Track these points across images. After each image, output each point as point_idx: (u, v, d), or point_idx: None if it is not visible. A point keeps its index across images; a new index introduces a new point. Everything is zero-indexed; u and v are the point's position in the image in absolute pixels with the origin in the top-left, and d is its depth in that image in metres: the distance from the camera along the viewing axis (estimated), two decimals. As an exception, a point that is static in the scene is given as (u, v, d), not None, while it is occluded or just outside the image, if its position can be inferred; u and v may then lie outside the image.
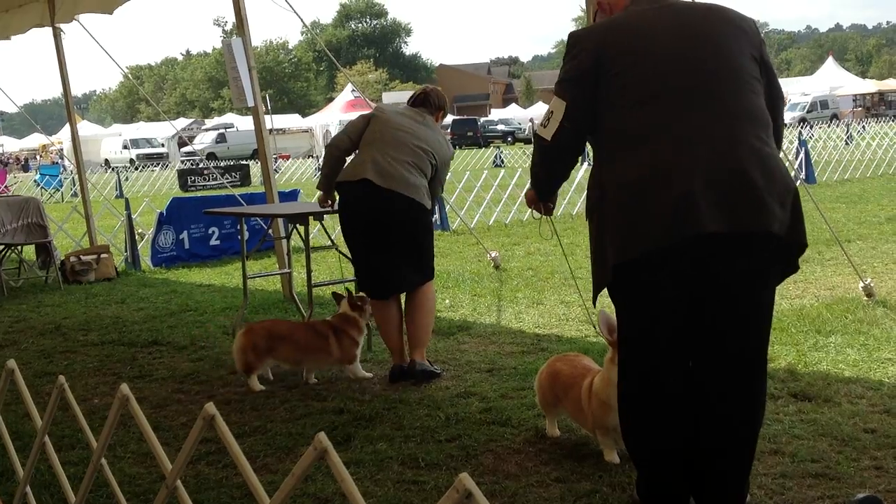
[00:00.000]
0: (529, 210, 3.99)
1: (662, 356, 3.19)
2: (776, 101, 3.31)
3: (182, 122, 59.78)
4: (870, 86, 62.90)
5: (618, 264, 3.12)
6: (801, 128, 34.79)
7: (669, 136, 3.07)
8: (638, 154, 3.09)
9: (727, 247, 3.04)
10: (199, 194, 21.54)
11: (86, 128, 51.23)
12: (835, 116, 50.53)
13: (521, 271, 9.22)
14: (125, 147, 51.44)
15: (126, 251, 11.29)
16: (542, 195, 3.74)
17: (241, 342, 5.47)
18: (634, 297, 3.22)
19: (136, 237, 11.35)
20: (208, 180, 28.83)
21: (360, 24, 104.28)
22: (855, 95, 59.94)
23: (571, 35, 3.36)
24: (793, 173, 15.00)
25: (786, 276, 3.29)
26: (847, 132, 30.37)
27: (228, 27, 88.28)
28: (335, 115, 53.20)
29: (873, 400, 4.59)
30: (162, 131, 52.22)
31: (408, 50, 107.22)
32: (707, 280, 3.11)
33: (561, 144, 3.36)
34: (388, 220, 5.41)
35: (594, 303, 3.38)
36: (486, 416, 4.69)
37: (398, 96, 73.91)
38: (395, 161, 5.39)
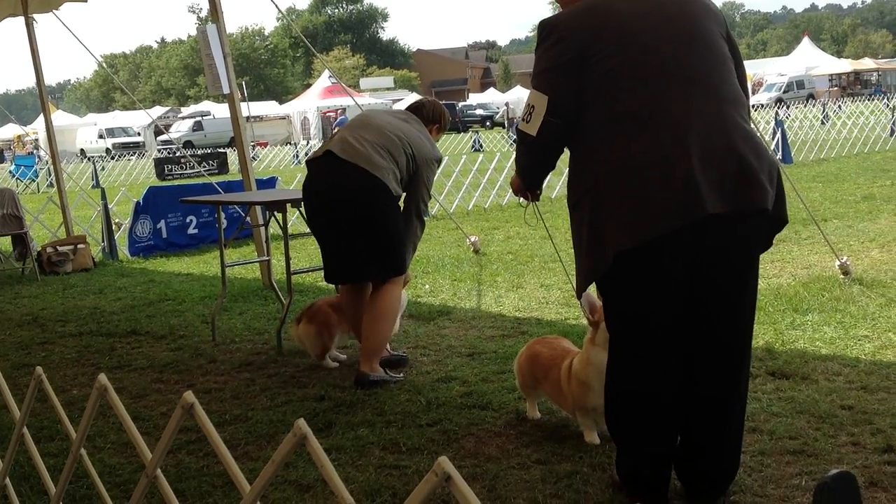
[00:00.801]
0: (508, 194, 3.99)
1: (661, 343, 3.17)
2: (742, 78, 3.34)
3: (158, 111, 59.38)
4: (845, 65, 63.25)
5: (620, 252, 3.05)
6: (778, 108, 34.97)
7: (665, 120, 3.05)
8: (635, 138, 3.05)
9: (726, 227, 3.05)
10: (176, 183, 21.41)
11: (61, 117, 50.87)
12: (811, 96, 50.80)
13: (500, 255, 9.23)
14: (101, 136, 51.05)
15: (103, 241, 11.21)
16: (532, 185, 3.70)
17: (309, 328, 5.48)
18: (636, 283, 3.15)
19: (113, 227, 11.27)
20: (185, 169, 28.67)
21: (336, 10, 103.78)
22: (831, 75, 60.28)
23: (544, 23, 3.27)
24: (770, 153, 15.14)
25: (762, 252, 3.31)
26: (823, 112, 30.54)
27: (203, 14, 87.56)
28: (312, 102, 53.06)
29: (850, 377, 4.63)
30: (138, 120, 51.87)
31: (385, 35, 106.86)
32: (703, 261, 3.11)
33: (548, 140, 3.27)
34: (345, 196, 5.01)
35: (579, 295, 3.35)
36: (467, 399, 4.70)
37: (375, 82, 73.83)
38: (364, 140, 5.10)
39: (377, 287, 5.21)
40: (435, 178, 5.49)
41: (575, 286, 3.35)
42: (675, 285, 3.12)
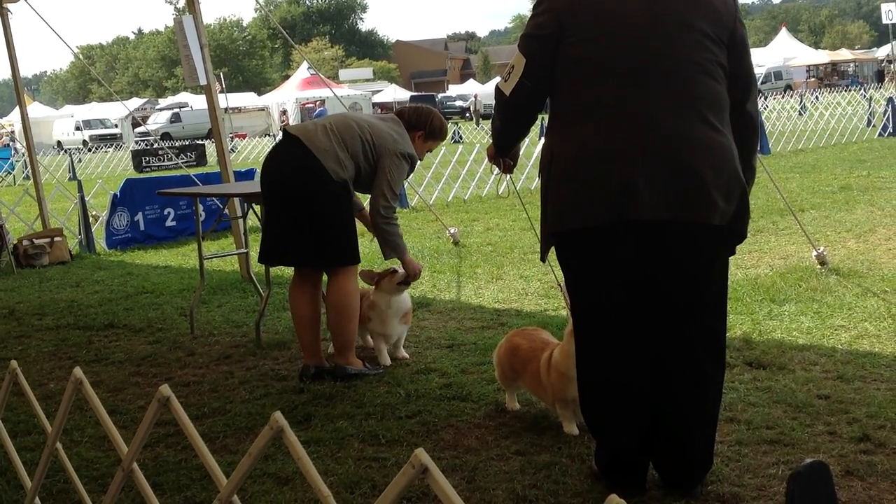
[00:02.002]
0: (488, 186, 4.00)
1: (611, 329, 3.21)
2: (745, 85, 3.24)
3: (135, 102, 58.87)
4: (822, 56, 63.63)
5: (553, 233, 3.20)
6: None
7: (619, 116, 3.05)
8: (586, 129, 3.09)
9: (666, 234, 3.06)
10: (153, 175, 21.28)
11: (37, 109, 50.37)
12: (789, 87, 51.12)
13: (480, 247, 9.24)
14: (77, 128, 50.60)
15: (80, 234, 11.12)
16: (500, 149, 3.70)
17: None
18: (575, 268, 3.28)
19: (90, 219, 11.19)
20: (163, 161, 28.49)
21: (314, 1, 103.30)
22: (808, 66, 60.65)
23: None
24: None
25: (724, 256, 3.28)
26: (801, 103, 30.72)
27: (180, 5, 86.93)
28: (291, 93, 52.83)
29: (826, 366, 4.67)
30: (115, 112, 51.41)
31: (364, 26, 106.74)
32: (649, 264, 3.13)
33: (519, 101, 3.33)
34: (281, 174, 4.94)
35: (543, 259, 3.37)
36: (447, 391, 4.70)
37: (355, 73, 73.65)
38: (318, 124, 5.07)
39: (329, 279, 5.10)
40: (406, 177, 5.23)
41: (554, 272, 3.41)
42: (623, 277, 3.13)
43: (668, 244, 3.08)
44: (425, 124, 5.26)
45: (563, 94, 3.20)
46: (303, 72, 54.12)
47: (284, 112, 51.48)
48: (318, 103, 48.24)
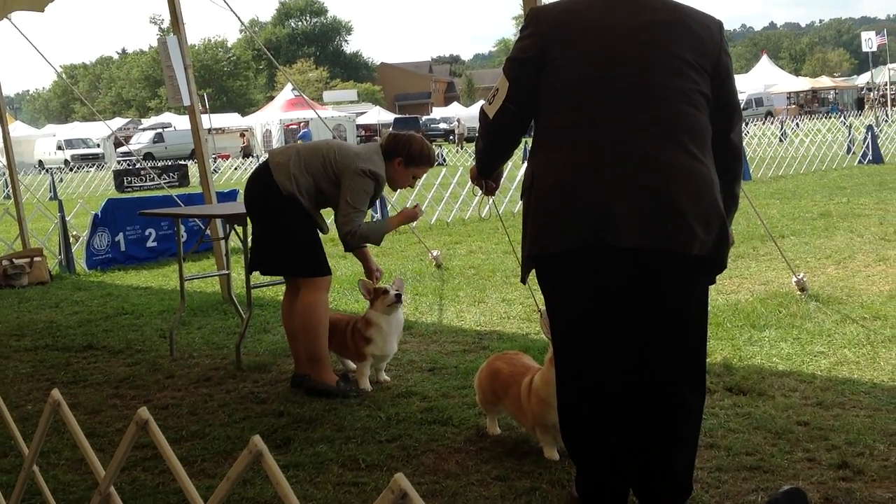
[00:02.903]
0: (471, 209, 4.00)
1: (589, 354, 3.21)
2: (728, 115, 3.23)
3: (118, 122, 58.73)
4: (803, 83, 64.34)
5: (532, 256, 3.20)
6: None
7: (599, 142, 3.06)
8: (566, 154, 3.10)
9: (644, 263, 3.06)
10: (135, 195, 21.19)
11: (18, 128, 50.09)
12: (770, 114, 51.59)
13: (462, 270, 9.24)
14: (59, 148, 50.38)
15: (60, 254, 11.06)
16: (483, 171, 3.69)
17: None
18: (553, 291, 3.28)
19: (71, 239, 11.12)
20: (145, 181, 28.39)
21: (299, 23, 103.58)
22: (789, 93, 61.29)
23: (530, 12, 3.33)
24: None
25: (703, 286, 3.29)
26: (781, 129, 31.00)
27: (165, 25, 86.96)
28: (275, 114, 52.88)
29: (806, 393, 4.68)
30: (97, 131, 51.26)
31: (349, 48, 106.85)
32: (628, 292, 3.13)
33: (501, 124, 3.34)
34: (249, 186, 5.34)
35: (523, 280, 3.38)
36: (427, 415, 4.69)
37: (339, 95, 73.77)
38: (292, 147, 5.36)
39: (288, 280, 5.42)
40: (374, 195, 5.20)
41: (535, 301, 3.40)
42: (601, 302, 3.14)
43: (646, 272, 3.08)
44: (403, 150, 5.21)
45: (545, 117, 3.22)
46: (287, 93, 54.17)
47: (268, 132, 51.51)
48: (301, 124, 48.28)
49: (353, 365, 5.45)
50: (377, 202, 5.22)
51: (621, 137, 3.06)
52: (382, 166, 5.18)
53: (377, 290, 5.30)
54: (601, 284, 3.12)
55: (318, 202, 5.22)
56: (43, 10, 9.87)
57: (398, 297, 5.26)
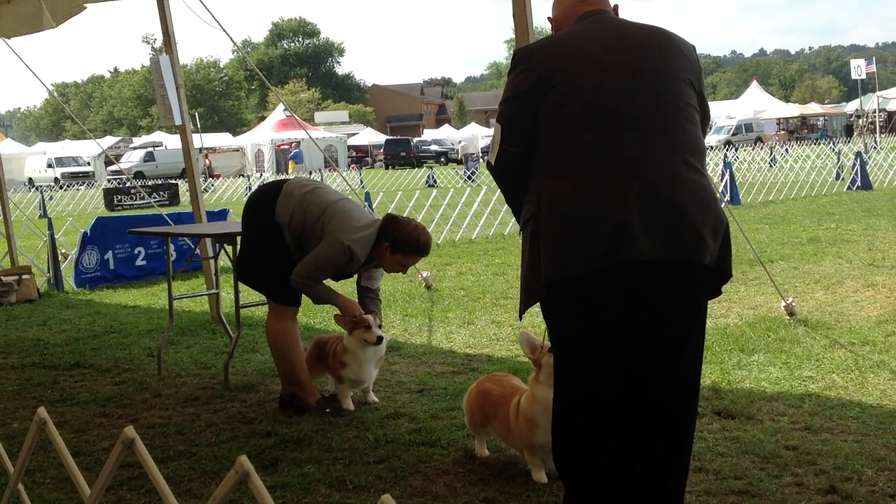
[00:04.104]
0: (461, 230, 4.00)
1: (595, 377, 3.19)
2: (706, 125, 3.37)
3: (109, 141, 58.68)
4: (793, 110, 64.76)
5: (550, 281, 3.12)
6: (727, 150, 35.62)
7: (607, 161, 3.08)
8: (576, 175, 3.11)
9: (661, 276, 3.07)
10: (125, 214, 21.16)
11: (9, 146, 50.04)
12: (759, 139, 51.86)
13: (452, 291, 9.24)
14: (50, 166, 50.26)
15: (49, 272, 11.02)
16: (515, 214, 3.59)
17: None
18: (567, 316, 3.22)
19: (59, 258, 11.08)
20: (135, 199, 28.34)
21: (292, 44, 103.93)
22: (778, 119, 61.66)
23: (516, 51, 3.37)
24: (718, 195, 15.26)
25: (708, 299, 3.33)
26: (771, 155, 31.17)
27: (157, 45, 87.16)
28: (266, 135, 52.98)
29: (794, 417, 4.69)
30: (88, 150, 51.22)
31: (341, 69, 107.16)
32: (641, 307, 3.14)
33: (504, 166, 3.35)
34: (258, 193, 5.52)
35: (521, 317, 3.38)
36: (416, 437, 4.67)
37: (331, 116, 73.97)
38: (312, 182, 5.52)
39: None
40: (342, 270, 5.13)
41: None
42: (611, 323, 3.13)
43: (664, 285, 3.10)
44: (391, 235, 5.06)
45: (547, 146, 3.21)
46: (279, 113, 54.34)
47: (259, 152, 51.56)
48: (293, 145, 48.37)
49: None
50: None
51: (630, 156, 3.09)
52: (368, 247, 5.05)
53: (357, 321, 5.18)
54: (619, 302, 3.11)
55: (300, 244, 5.18)
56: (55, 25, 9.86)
57: (380, 339, 5.15)
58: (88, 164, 50.90)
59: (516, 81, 3.30)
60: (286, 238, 5.16)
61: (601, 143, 3.11)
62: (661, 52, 3.24)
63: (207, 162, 47.33)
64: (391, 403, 5.33)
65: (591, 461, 3.25)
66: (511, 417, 4.07)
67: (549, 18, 3.54)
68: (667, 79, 3.20)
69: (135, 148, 55.34)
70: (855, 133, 52.46)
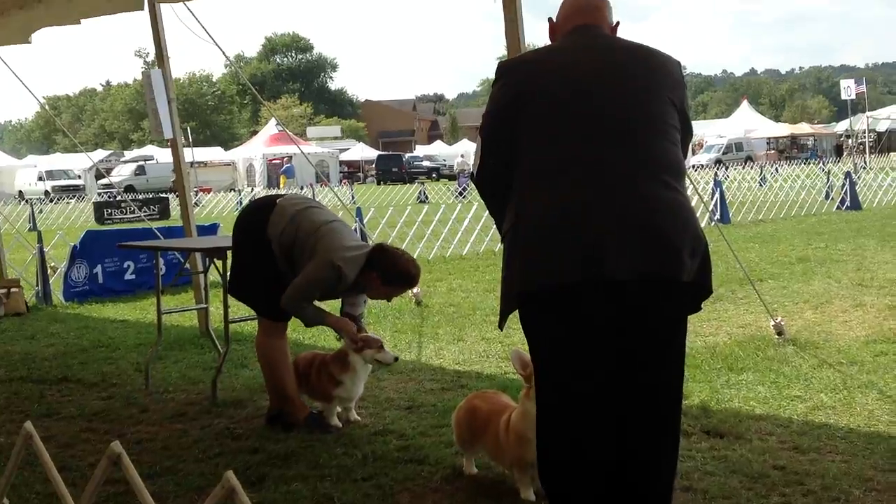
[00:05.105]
0: (452, 245, 4.00)
1: (572, 391, 3.19)
2: (687, 142, 3.37)
3: (100, 154, 58.55)
4: (783, 129, 65.07)
5: (522, 292, 3.16)
6: (717, 169, 35.76)
7: (585, 178, 3.09)
8: (554, 190, 3.12)
9: (637, 293, 3.08)
10: (115, 227, 21.11)
11: (-1, 158, 49.92)
12: (749, 158, 52.02)
13: (442, 308, 9.23)
14: (40, 178, 50.12)
15: (37, 285, 10.97)
16: (498, 226, 3.60)
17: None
18: (541, 329, 3.24)
19: (49, 271, 11.04)
20: (125, 213, 28.27)
21: (285, 59, 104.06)
22: (769, 138, 61.95)
23: (500, 65, 3.37)
24: (708, 213, 15.20)
25: (689, 315, 3.33)
26: (761, 174, 31.29)
27: (150, 58, 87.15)
28: (258, 149, 52.95)
29: (783, 437, 4.69)
30: (79, 163, 51.09)
31: (333, 85, 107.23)
32: (618, 323, 3.14)
33: (486, 179, 3.39)
34: (251, 207, 5.60)
35: (501, 327, 3.38)
36: (404, 454, 4.66)
37: (323, 131, 74.01)
38: (308, 199, 5.55)
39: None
40: (332, 291, 5.10)
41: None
42: (587, 337, 3.13)
43: (639, 302, 3.10)
44: (383, 267, 5.03)
45: (527, 161, 3.23)
46: (271, 128, 54.33)
47: (251, 167, 51.54)
48: (285, 159, 48.35)
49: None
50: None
51: (606, 173, 3.10)
52: (357, 269, 5.02)
53: (369, 340, 5.21)
54: (593, 319, 3.11)
55: (290, 261, 5.15)
56: (29, 41, 9.88)
57: (396, 359, 5.35)
58: (79, 177, 50.78)
59: (497, 95, 3.32)
60: (276, 254, 5.16)
61: (580, 159, 3.12)
62: (645, 70, 3.25)
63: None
64: (379, 420, 5.32)
65: (574, 475, 3.25)
66: (500, 434, 4.06)
67: (549, 19, 3.54)
68: (649, 98, 3.20)
69: (126, 161, 55.26)
70: (844, 153, 52.78)
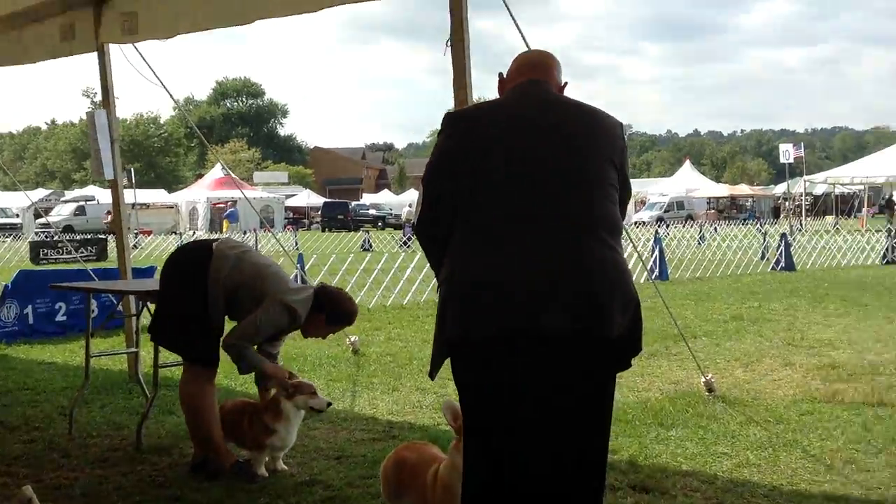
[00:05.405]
0: (393, 295, 3.99)
1: (495, 446, 3.19)
2: (626, 200, 3.39)
3: (41, 193, 57.60)
4: (723, 190, 66.50)
5: (454, 341, 3.15)
6: (658, 226, 36.33)
7: (522, 233, 3.11)
8: (489, 244, 3.14)
9: (566, 348, 3.09)
10: (49, 267, 20.67)
11: (-64, 194, 48.77)
12: (690, 217, 52.97)
13: (379, 357, 9.18)
14: (-24, 216, 49.08)
15: (-34, 324, 10.68)
16: (436, 274, 3.60)
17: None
18: (469, 379, 3.23)
19: (-23, 310, 10.75)
20: (62, 253, 27.73)
21: (235, 103, 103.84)
22: (709, 198, 63.20)
23: (446, 115, 3.40)
24: (647, 270, 15.33)
25: (619, 372, 3.35)
26: (700, 232, 31.85)
27: (98, 98, 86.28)
28: (203, 193, 52.52)
29: (707, 493, 4.73)
30: (18, 201, 50.13)
31: (283, 130, 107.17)
32: (546, 378, 3.15)
33: (425, 228, 3.40)
34: (181, 252, 5.54)
35: (432, 376, 3.38)
36: (330, 505, 4.60)
37: (269, 176, 73.80)
38: (242, 249, 5.39)
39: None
40: (285, 330, 5.21)
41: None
42: (516, 392, 3.13)
43: (568, 358, 3.11)
44: (330, 308, 5.20)
45: (466, 213, 3.24)
46: (216, 171, 53.96)
47: (194, 210, 51.07)
48: (229, 204, 48.04)
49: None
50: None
51: (545, 230, 3.12)
52: (308, 309, 5.14)
53: (302, 386, 5.18)
54: (523, 371, 3.11)
55: (231, 305, 5.15)
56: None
57: (329, 405, 5.29)
58: (17, 215, 49.80)
59: (442, 145, 3.35)
60: (212, 298, 5.10)
61: (519, 213, 3.14)
62: (588, 130, 3.29)
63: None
64: (307, 470, 5.25)
65: None
66: (428, 486, 4.02)
67: (499, 74, 3.59)
68: (590, 157, 3.24)
69: (66, 201, 54.37)
70: (781, 215, 53.94)
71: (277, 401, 5.15)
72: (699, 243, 27.57)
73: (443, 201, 3.30)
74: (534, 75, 3.43)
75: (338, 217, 54.76)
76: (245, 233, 36.60)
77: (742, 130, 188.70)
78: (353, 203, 61.73)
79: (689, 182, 64.48)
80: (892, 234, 23.93)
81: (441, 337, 3.23)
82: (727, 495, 4.68)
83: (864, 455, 5.41)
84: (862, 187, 48.17)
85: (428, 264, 3.71)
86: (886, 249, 22.58)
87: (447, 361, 3.27)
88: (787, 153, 53.79)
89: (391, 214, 57.34)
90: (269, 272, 5.20)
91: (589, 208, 3.18)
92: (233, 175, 13.77)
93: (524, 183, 3.18)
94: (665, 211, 53.96)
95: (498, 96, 3.58)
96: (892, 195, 51.51)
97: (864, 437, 5.77)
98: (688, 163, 71.56)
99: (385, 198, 67.77)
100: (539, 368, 3.12)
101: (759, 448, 5.56)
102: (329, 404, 5.29)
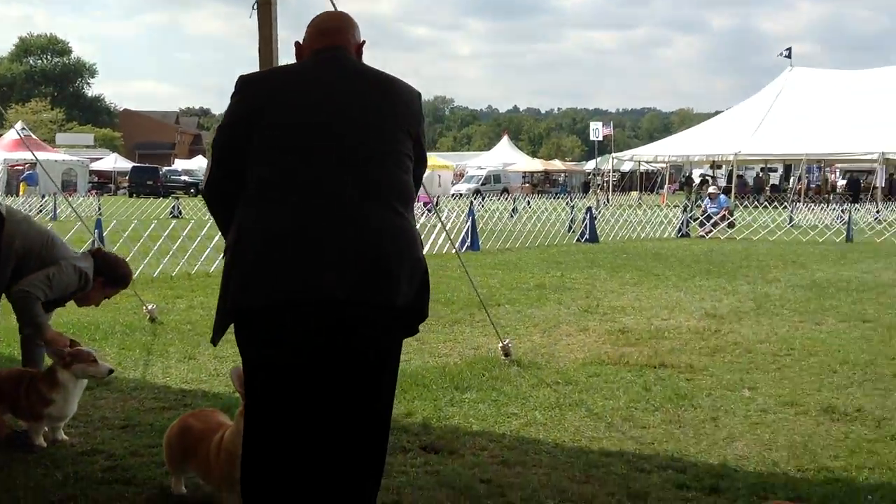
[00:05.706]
0: (199, 263, 3.85)
1: (277, 412, 3.16)
2: (421, 173, 3.42)
3: None
4: (538, 165, 68.63)
5: (237, 308, 3.10)
6: (475, 199, 37.06)
7: (309, 199, 3.09)
8: (276, 210, 3.09)
9: (351, 315, 3.09)
10: None
11: None
12: (506, 190, 54.28)
13: (178, 325, 8.90)
14: None
15: None
16: (224, 236, 3.53)
17: None
18: (253, 346, 3.19)
19: None
20: None
21: (39, 61, 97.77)
22: (525, 172, 65.09)
23: (239, 78, 3.32)
24: (460, 240, 15.69)
25: (403, 338, 3.37)
26: (514, 205, 32.73)
27: None
28: (-1, 154, 49.16)
29: (494, 451, 4.87)
30: None
31: (91, 91, 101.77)
32: (331, 347, 3.13)
33: (213, 192, 3.36)
34: None
35: (215, 342, 3.29)
36: (110, 474, 4.43)
37: (74, 138, 70.04)
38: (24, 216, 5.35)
39: None
40: (72, 293, 5.16)
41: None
42: (297, 357, 3.11)
43: (352, 325, 3.11)
44: (108, 271, 5.30)
45: (255, 174, 3.19)
46: (14, 133, 50.67)
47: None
48: (27, 166, 45.30)
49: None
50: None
51: (331, 195, 3.09)
52: (92, 277, 5.20)
53: (80, 353, 4.94)
54: (305, 339, 3.09)
55: (19, 268, 4.99)
56: None
57: (111, 371, 5.10)
58: None
59: (231, 109, 3.29)
60: (2, 263, 4.90)
61: (308, 180, 3.11)
62: (383, 98, 3.28)
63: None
64: (89, 440, 5.03)
65: (275, 496, 3.20)
66: (212, 453, 3.94)
67: (296, 43, 3.51)
68: (385, 125, 3.23)
69: None
70: (591, 190, 56.20)
71: (54, 370, 4.90)
72: (511, 216, 28.30)
73: (232, 164, 3.24)
74: (331, 41, 3.38)
75: (147, 182, 52.66)
76: (44, 196, 34.62)
77: (559, 108, 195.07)
78: (164, 168, 59.60)
79: (507, 156, 66.15)
80: (688, 209, 25.42)
81: (224, 304, 3.18)
82: (512, 452, 4.83)
83: (643, 413, 5.72)
84: (665, 165, 50.87)
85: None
86: (682, 224, 23.97)
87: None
88: (597, 131, 56.13)
89: (204, 180, 55.71)
90: (57, 240, 5.19)
91: (382, 176, 3.18)
92: (21, 135, 12.88)
93: (315, 149, 3.15)
94: (482, 184, 55.04)
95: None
96: (691, 173, 54.83)
97: (643, 397, 6.10)
98: (506, 138, 73.33)
99: (199, 163, 65.60)
100: (323, 336, 3.11)
101: (547, 408, 5.78)
102: (111, 371, 5.08)
